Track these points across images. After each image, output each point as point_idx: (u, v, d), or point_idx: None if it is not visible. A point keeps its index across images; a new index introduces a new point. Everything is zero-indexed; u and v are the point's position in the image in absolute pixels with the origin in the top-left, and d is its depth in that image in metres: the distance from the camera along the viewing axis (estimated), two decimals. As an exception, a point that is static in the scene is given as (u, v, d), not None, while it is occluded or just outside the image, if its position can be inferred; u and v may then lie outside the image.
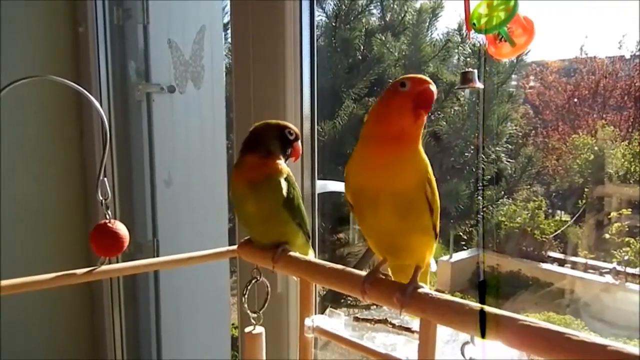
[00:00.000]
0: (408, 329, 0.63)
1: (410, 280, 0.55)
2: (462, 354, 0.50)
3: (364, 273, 0.60)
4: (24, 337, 1.47)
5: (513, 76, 2.40)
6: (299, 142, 0.73)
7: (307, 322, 0.69)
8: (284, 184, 0.69)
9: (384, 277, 0.59)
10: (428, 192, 0.56)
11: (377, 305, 0.64)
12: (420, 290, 0.54)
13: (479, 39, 0.63)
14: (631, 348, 0.40)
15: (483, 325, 0.47)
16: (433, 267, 0.66)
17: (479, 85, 0.69)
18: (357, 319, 0.68)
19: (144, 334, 1.61)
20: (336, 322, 0.69)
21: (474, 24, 0.63)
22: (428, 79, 0.55)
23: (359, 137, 0.59)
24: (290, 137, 0.72)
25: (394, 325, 0.65)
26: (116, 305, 1.54)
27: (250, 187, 0.68)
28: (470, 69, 0.69)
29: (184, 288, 1.64)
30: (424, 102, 0.53)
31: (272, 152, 0.71)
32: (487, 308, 0.48)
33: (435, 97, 0.53)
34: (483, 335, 0.47)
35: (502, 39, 0.62)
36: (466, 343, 0.50)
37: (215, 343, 1.72)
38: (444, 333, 0.59)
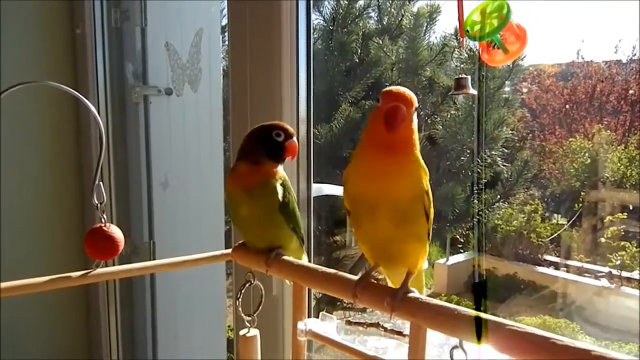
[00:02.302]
0: (399, 333, 0.64)
1: (402, 285, 0.56)
2: (451, 357, 0.51)
3: (355, 277, 0.60)
4: (21, 339, 1.47)
5: (509, 81, 2.41)
6: (293, 139, 0.71)
7: (300, 325, 0.69)
8: (279, 189, 0.70)
9: (375, 281, 0.60)
10: (425, 201, 0.56)
11: (372, 309, 0.65)
12: (410, 294, 0.55)
13: (473, 45, 0.64)
14: (615, 353, 0.40)
15: (479, 330, 0.48)
16: (425, 266, 0.66)
17: (473, 91, 0.70)
18: (349, 323, 0.69)
19: (139, 337, 1.61)
20: (329, 325, 0.70)
21: (467, 30, 0.64)
22: (400, 92, 0.55)
23: (359, 141, 0.60)
24: (279, 138, 0.70)
25: (385, 329, 0.66)
26: (112, 307, 1.55)
27: (245, 192, 0.69)
28: (463, 75, 0.70)
29: (180, 290, 1.64)
30: (389, 120, 0.53)
31: (260, 159, 0.70)
32: (477, 313, 0.49)
33: (402, 112, 0.53)
34: (479, 340, 0.48)
35: (495, 46, 0.63)
36: (455, 347, 0.51)
37: (211, 345, 1.72)
38: (440, 337, 0.60)
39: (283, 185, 0.71)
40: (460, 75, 0.69)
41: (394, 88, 0.56)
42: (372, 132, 0.57)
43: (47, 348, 1.53)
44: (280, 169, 0.72)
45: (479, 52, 0.65)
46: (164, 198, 1.58)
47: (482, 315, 0.48)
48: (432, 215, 0.59)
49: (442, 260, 3.09)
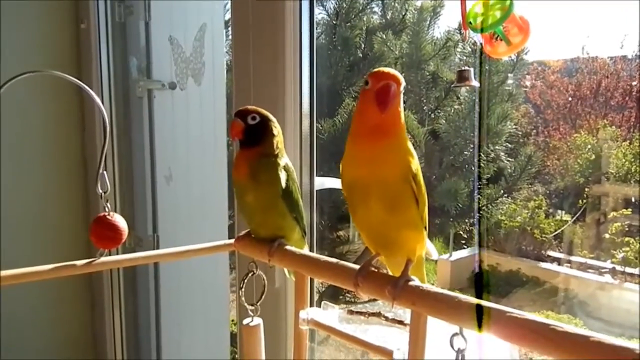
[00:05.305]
0: (401, 322, 0.65)
1: (402, 273, 0.57)
2: (451, 345, 0.52)
3: (357, 267, 0.61)
4: (24, 335, 1.48)
5: (513, 75, 2.40)
6: (234, 118, 0.71)
7: (302, 314, 0.70)
8: (282, 176, 0.70)
9: (376, 270, 0.60)
10: (413, 185, 0.57)
11: (374, 301, 0.65)
12: (411, 283, 0.55)
13: (476, 37, 0.64)
14: (612, 339, 0.41)
15: (479, 317, 0.48)
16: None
17: (475, 83, 0.70)
18: (351, 312, 0.69)
19: (143, 330, 1.62)
20: (331, 314, 0.70)
21: (470, 22, 0.64)
22: (389, 72, 0.56)
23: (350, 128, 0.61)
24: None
25: (387, 318, 0.66)
26: (116, 301, 1.56)
27: (244, 177, 0.70)
28: (466, 68, 0.70)
29: (184, 284, 1.65)
30: (381, 98, 0.55)
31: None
32: (477, 301, 0.49)
33: (393, 90, 0.55)
34: (479, 327, 0.48)
35: (498, 38, 0.63)
36: (455, 334, 0.51)
37: (214, 339, 1.73)
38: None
39: (286, 171, 0.71)
40: (462, 68, 0.69)
41: (381, 68, 0.57)
42: (362, 114, 0.58)
43: (51, 344, 1.55)
44: (283, 156, 0.73)
45: (481, 45, 0.65)
46: (167, 191, 1.58)
47: (483, 302, 0.49)
48: (423, 202, 0.59)
49: (445, 256, 3.09)
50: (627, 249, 2.50)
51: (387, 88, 0.55)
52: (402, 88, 0.56)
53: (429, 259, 0.68)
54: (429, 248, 0.65)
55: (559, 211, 3.07)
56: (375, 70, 0.57)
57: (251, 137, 0.71)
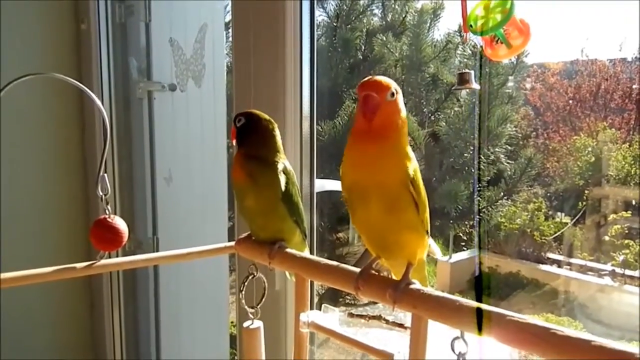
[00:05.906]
0: (401, 325, 0.64)
1: (403, 276, 0.57)
2: (452, 349, 0.51)
3: (357, 270, 0.61)
4: (24, 336, 1.48)
5: (514, 78, 2.41)
6: (234, 122, 0.73)
7: (303, 317, 0.69)
8: (282, 178, 0.70)
9: (376, 273, 0.60)
10: (411, 189, 0.57)
11: (374, 303, 0.65)
12: (412, 286, 0.55)
13: (477, 40, 0.64)
14: (614, 343, 0.41)
15: (480, 322, 0.48)
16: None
17: (476, 86, 0.70)
18: (351, 315, 0.69)
19: (143, 332, 1.62)
20: (331, 317, 0.70)
21: (470, 25, 0.64)
22: (369, 81, 0.56)
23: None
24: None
25: (387, 322, 0.66)
26: (116, 303, 1.55)
27: (244, 179, 0.70)
28: (467, 70, 0.70)
29: (184, 286, 1.65)
30: (363, 109, 0.55)
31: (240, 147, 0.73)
32: (478, 304, 0.49)
33: (374, 101, 0.55)
34: (480, 331, 0.48)
35: (499, 41, 0.63)
36: (456, 338, 0.51)
37: (214, 341, 1.73)
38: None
39: (286, 174, 0.71)
40: (463, 70, 0.69)
41: (368, 78, 0.57)
42: (355, 122, 0.59)
43: (50, 345, 1.54)
44: (282, 159, 0.72)
45: (482, 47, 0.65)
46: (167, 193, 1.58)
47: (484, 306, 0.49)
48: (424, 206, 0.59)
49: (444, 258, 3.09)
50: (627, 251, 2.50)
51: (367, 99, 0.55)
52: (389, 93, 0.56)
53: (432, 257, 0.68)
54: (433, 247, 0.65)
55: (559, 213, 3.07)
56: (363, 80, 0.57)
57: (241, 139, 0.72)
